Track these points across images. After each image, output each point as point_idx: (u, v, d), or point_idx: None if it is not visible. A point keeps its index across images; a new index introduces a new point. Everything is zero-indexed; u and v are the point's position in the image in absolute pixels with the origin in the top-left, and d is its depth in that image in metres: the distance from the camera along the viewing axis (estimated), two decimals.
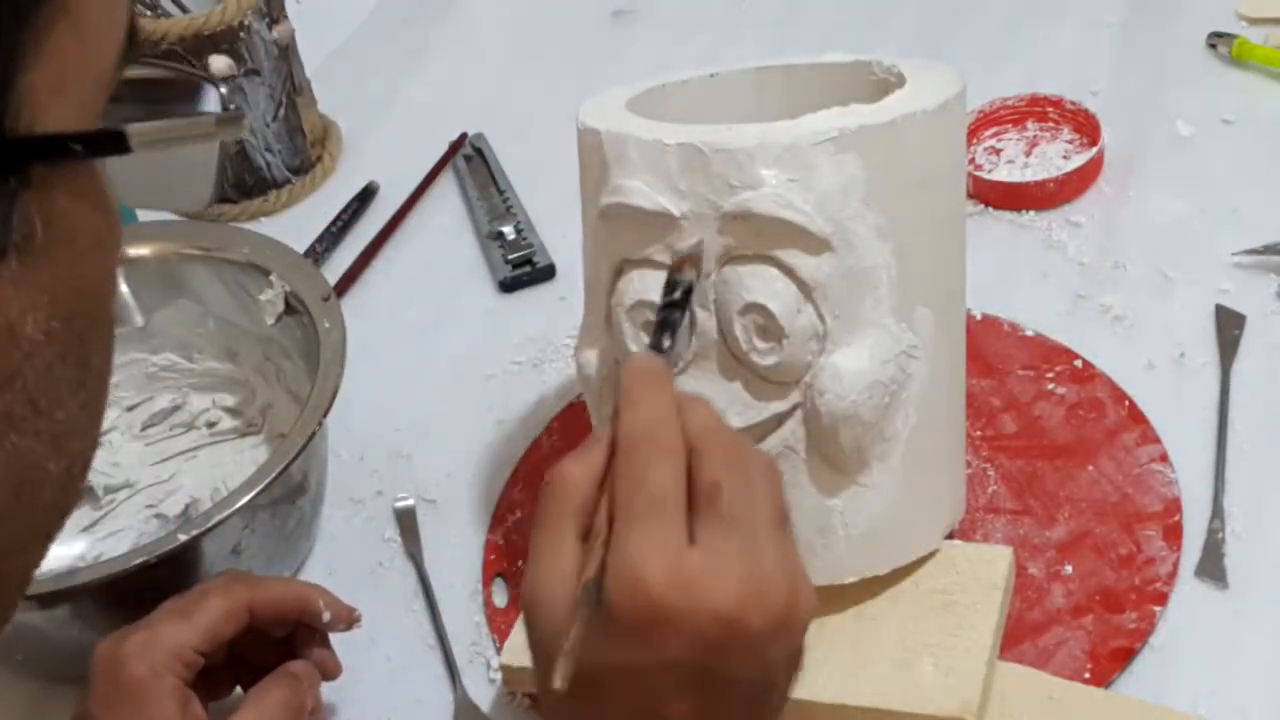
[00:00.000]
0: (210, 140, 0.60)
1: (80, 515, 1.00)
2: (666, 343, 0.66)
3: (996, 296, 1.02)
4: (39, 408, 0.45)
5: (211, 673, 0.80)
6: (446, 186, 1.23)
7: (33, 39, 0.42)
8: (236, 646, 0.81)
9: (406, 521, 0.97)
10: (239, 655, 0.82)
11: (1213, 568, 0.86)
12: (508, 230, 1.16)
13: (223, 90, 0.99)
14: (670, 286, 0.70)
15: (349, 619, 0.83)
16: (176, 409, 1.04)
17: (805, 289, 0.74)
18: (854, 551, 0.78)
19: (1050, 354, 0.98)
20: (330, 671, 0.83)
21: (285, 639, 0.83)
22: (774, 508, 0.60)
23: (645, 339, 0.76)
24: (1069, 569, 0.86)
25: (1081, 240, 1.07)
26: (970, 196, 1.08)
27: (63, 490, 0.48)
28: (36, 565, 0.50)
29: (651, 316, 0.75)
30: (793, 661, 0.61)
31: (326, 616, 0.82)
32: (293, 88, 1.21)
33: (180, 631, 0.77)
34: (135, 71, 0.49)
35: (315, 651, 0.83)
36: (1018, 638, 0.83)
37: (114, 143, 0.44)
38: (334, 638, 0.89)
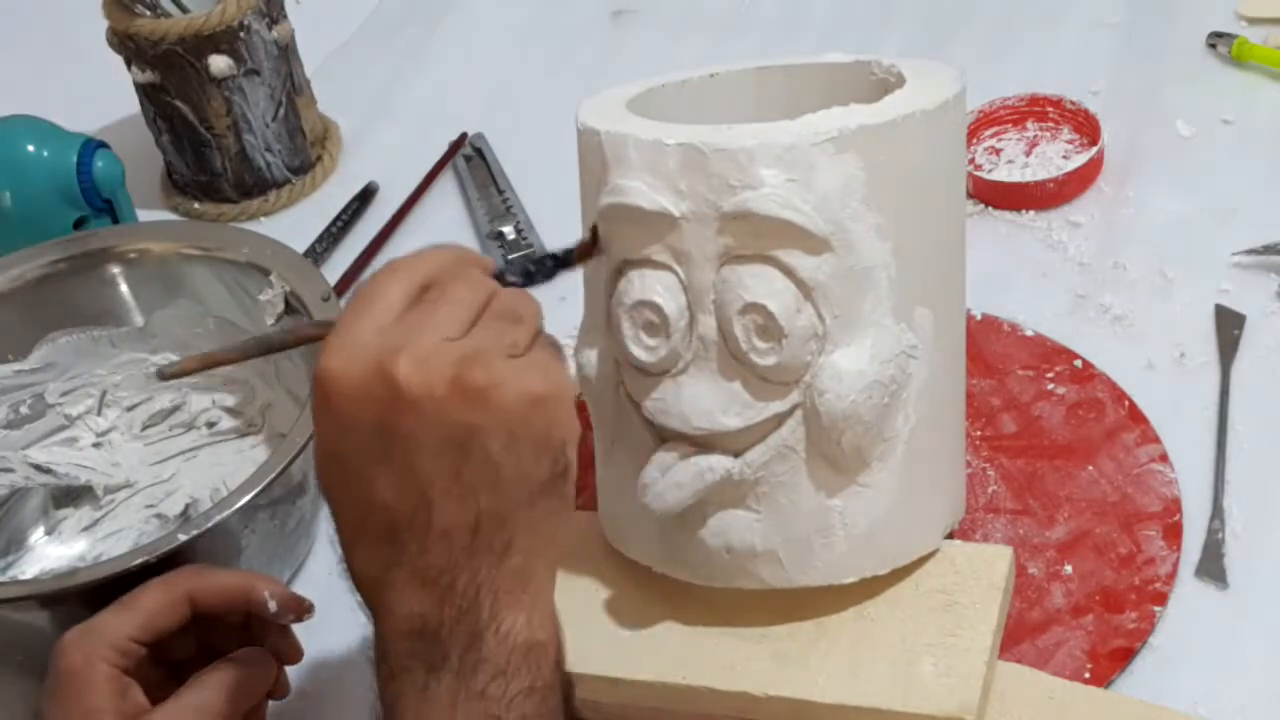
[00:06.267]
0: None
1: (80, 515, 1.01)
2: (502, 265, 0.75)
3: (996, 296, 1.02)
4: None
5: (184, 665, 0.80)
6: (446, 186, 1.23)
7: None
8: (205, 637, 0.81)
9: None
10: (210, 646, 0.82)
11: (1213, 568, 0.86)
12: (508, 230, 1.16)
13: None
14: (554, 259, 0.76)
15: (299, 609, 0.82)
16: (176, 409, 1.04)
17: (805, 289, 0.74)
18: (854, 551, 0.78)
19: (1050, 354, 0.98)
20: (288, 657, 0.82)
21: (251, 627, 0.82)
22: (495, 309, 0.68)
23: (645, 339, 0.76)
24: (1069, 569, 0.86)
25: (1081, 240, 1.07)
26: (970, 196, 1.08)
27: None
28: None
29: (652, 317, 0.75)
30: (508, 433, 0.64)
31: (273, 607, 0.81)
32: (293, 88, 1.21)
33: (116, 621, 0.78)
34: None
35: (271, 639, 0.82)
36: (1018, 638, 0.83)
37: None
38: (336, 639, 0.90)
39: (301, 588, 0.95)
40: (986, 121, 1.15)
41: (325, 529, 0.97)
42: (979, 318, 1.00)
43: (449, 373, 0.63)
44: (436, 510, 0.63)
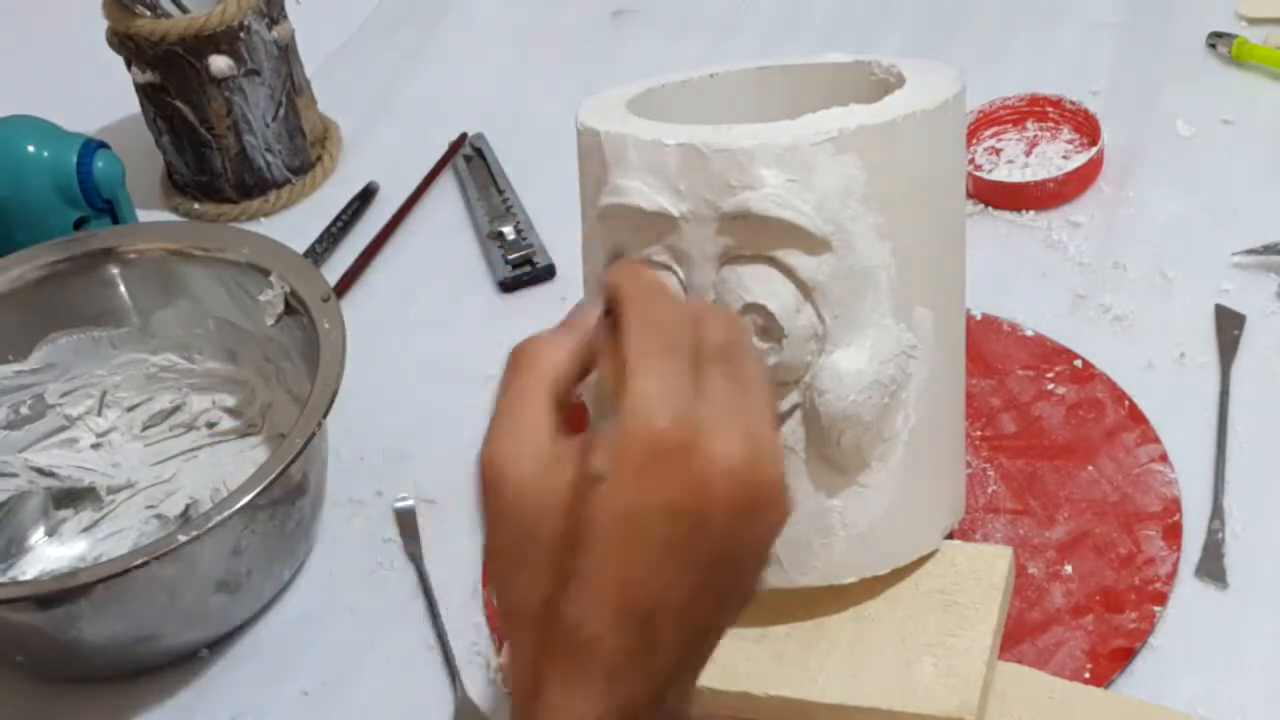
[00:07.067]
0: None
1: (81, 516, 1.01)
2: None
3: (996, 296, 1.02)
4: None
5: None
6: (446, 186, 1.23)
7: None
8: None
9: (406, 522, 0.97)
10: None
11: (1213, 568, 0.86)
12: (508, 230, 1.16)
13: None
14: None
15: None
16: (176, 409, 1.04)
17: (805, 289, 0.74)
18: (854, 551, 0.78)
19: (1050, 354, 0.98)
20: None
21: None
22: (767, 381, 0.60)
23: None
24: (1069, 569, 0.86)
25: (1081, 240, 1.07)
26: (970, 196, 1.08)
27: None
28: None
29: None
30: (764, 548, 0.59)
31: None
32: (293, 88, 1.21)
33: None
34: None
35: None
36: (1018, 638, 0.83)
37: None
38: (336, 638, 0.90)
39: (301, 589, 0.95)
40: (986, 121, 1.15)
41: (325, 529, 0.97)
42: (979, 318, 1.00)
43: (773, 478, 0.57)
44: (693, 611, 0.58)
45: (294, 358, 0.98)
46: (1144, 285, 1.03)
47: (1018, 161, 1.13)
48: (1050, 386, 0.96)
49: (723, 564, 0.58)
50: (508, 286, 1.12)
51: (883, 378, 0.75)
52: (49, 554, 0.99)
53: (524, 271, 1.12)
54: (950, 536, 0.84)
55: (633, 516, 0.56)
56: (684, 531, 0.56)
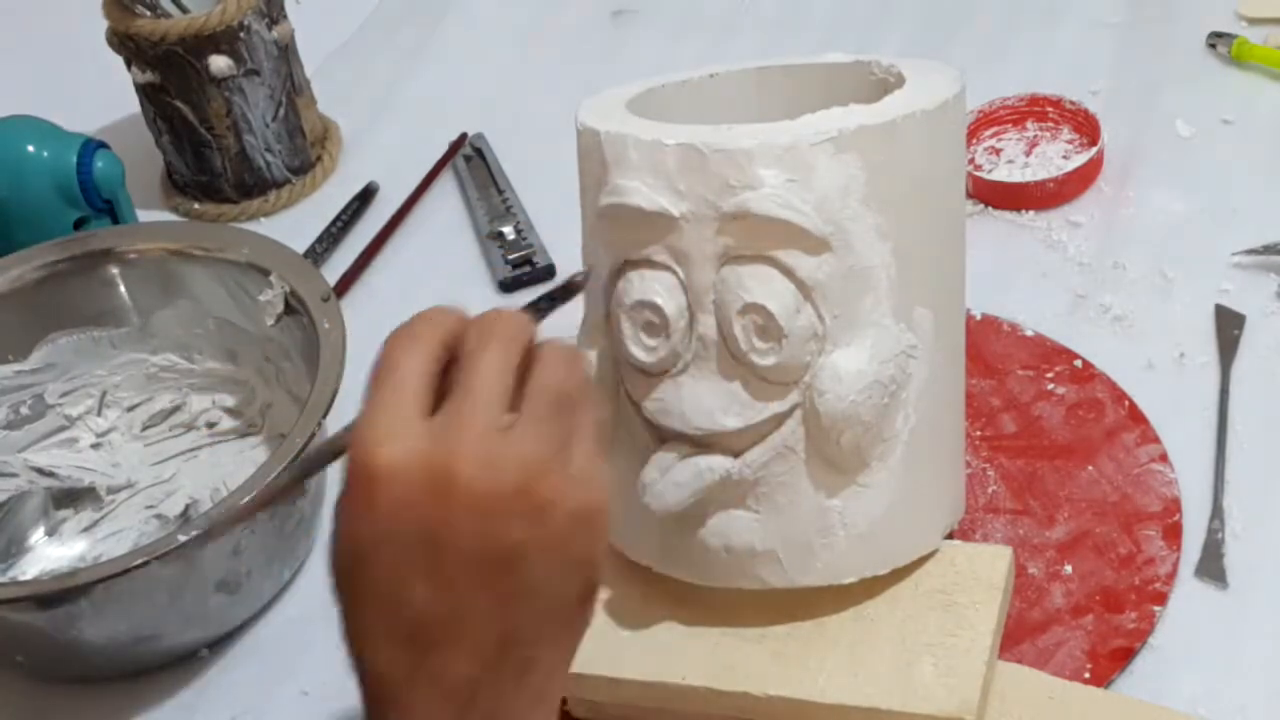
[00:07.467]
0: None
1: (81, 516, 1.01)
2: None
3: (996, 296, 1.02)
4: None
5: None
6: (446, 186, 1.23)
7: None
8: None
9: None
10: None
11: (1213, 568, 0.86)
12: (508, 230, 1.16)
13: None
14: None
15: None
16: (176, 409, 1.04)
17: (804, 289, 0.74)
18: (854, 551, 0.78)
19: (1050, 354, 0.98)
20: None
21: None
22: (546, 389, 0.60)
23: (645, 339, 0.76)
24: (1069, 569, 0.86)
25: (1081, 240, 1.07)
26: (970, 196, 1.08)
27: None
28: None
29: (652, 317, 0.76)
30: (554, 552, 0.60)
31: None
32: (293, 88, 1.21)
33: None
34: None
35: None
36: (1018, 638, 0.83)
37: None
38: (337, 637, 0.89)
39: (302, 588, 0.95)
40: (986, 121, 1.15)
41: (325, 529, 0.97)
42: (979, 318, 1.00)
43: (512, 483, 0.58)
44: (469, 622, 0.59)
45: (294, 358, 0.98)
46: (1144, 285, 1.03)
47: (1018, 161, 1.13)
48: (1050, 386, 0.96)
49: (495, 577, 0.59)
50: (508, 286, 1.12)
51: (883, 378, 0.75)
52: (49, 554, 0.99)
53: (524, 271, 1.12)
54: (950, 536, 0.84)
55: (367, 550, 0.58)
56: (415, 551, 0.58)
